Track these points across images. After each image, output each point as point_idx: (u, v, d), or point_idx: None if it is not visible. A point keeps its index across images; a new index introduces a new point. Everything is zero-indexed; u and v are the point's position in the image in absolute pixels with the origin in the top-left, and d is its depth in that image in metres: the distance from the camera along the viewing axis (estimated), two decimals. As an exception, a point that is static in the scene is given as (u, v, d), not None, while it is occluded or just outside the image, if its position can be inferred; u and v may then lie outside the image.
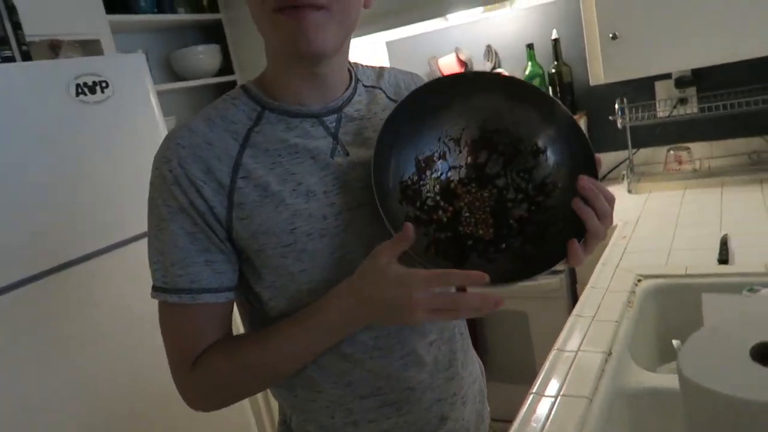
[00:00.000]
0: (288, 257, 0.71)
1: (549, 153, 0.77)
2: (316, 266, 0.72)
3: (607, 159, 2.33)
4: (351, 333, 0.72)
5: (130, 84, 1.61)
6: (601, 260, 1.50)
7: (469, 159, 0.79)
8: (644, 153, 2.26)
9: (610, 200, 0.71)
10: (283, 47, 0.69)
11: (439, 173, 0.78)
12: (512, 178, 0.79)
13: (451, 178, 0.78)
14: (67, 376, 1.43)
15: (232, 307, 0.76)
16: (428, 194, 0.76)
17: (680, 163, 2.12)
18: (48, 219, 1.42)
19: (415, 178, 0.76)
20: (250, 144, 0.72)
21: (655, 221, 1.74)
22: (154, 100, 1.67)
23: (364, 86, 0.83)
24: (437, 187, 0.77)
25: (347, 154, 0.76)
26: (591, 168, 0.73)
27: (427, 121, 0.77)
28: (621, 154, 2.28)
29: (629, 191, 2.10)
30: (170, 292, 0.70)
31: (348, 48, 0.77)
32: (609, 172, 2.33)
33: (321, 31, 0.66)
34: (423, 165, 0.77)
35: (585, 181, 0.69)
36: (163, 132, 1.70)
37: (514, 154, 0.78)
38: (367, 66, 0.87)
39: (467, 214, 0.77)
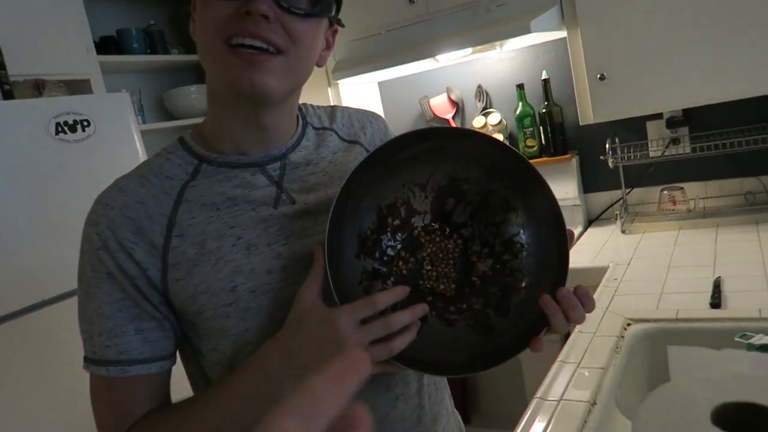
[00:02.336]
0: (231, 317, 0.66)
1: (520, 212, 0.73)
2: (261, 325, 0.66)
3: (599, 199, 2.30)
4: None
5: (113, 123, 1.60)
6: (591, 303, 1.45)
7: (434, 205, 0.74)
8: (638, 193, 2.23)
9: (588, 304, 0.65)
10: (228, 86, 0.65)
11: (402, 220, 0.73)
12: (479, 230, 0.74)
13: (415, 225, 0.73)
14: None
15: (168, 375, 0.70)
16: (389, 243, 0.72)
17: (674, 203, 2.09)
18: (23, 258, 1.39)
19: (375, 226, 0.71)
20: (185, 199, 0.67)
21: (648, 263, 1.69)
22: (137, 139, 1.66)
23: (314, 128, 0.79)
24: (399, 234, 0.73)
25: (293, 202, 0.71)
26: (562, 237, 0.68)
27: (390, 171, 0.71)
28: (614, 194, 2.25)
29: (623, 231, 2.06)
30: (98, 364, 0.65)
31: (296, 100, 0.74)
32: (602, 213, 2.30)
33: (270, 74, 0.63)
34: (385, 213, 0.72)
35: (565, 291, 0.64)
36: (146, 171, 1.69)
37: (483, 205, 0.74)
38: (318, 107, 0.84)
39: (429, 267, 0.72)
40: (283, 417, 0.22)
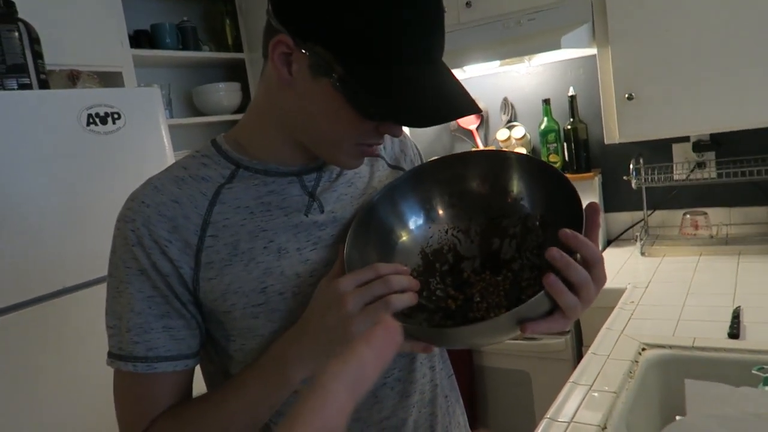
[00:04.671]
0: (259, 317, 0.67)
1: (554, 222, 0.72)
2: (287, 327, 0.67)
3: (620, 219, 2.28)
4: (293, 379, 0.64)
5: (143, 117, 1.63)
6: (606, 324, 1.44)
7: (482, 248, 0.75)
8: (660, 215, 2.21)
9: (593, 262, 0.60)
10: (330, 159, 0.71)
11: (451, 265, 0.74)
12: (527, 258, 0.73)
13: (464, 269, 0.74)
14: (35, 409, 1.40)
15: (192, 374, 0.71)
16: (438, 286, 0.73)
17: (696, 227, 2.06)
18: (48, 245, 1.42)
19: (422, 269, 0.73)
20: (220, 200, 0.69)
21: (666, 287, 1.67)
22: (165, 133, 1.69)
23: None
24: (448, 279, 0.73)
25: (322, 211, 0.73)
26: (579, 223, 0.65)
27: (420, 210, 0.75)
28: (635, 215, 2.23)
29: (642, 254, 2.04)
30: (125, 360, 0.66)
31: None
32: (622, 233, 2.28)
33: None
34: (431, 258, 0.74)
35: (554, 251, 0.59)
36: (171, 165, 1.72)
37: (526, 233, 0.73)
38: None
39: (479, 299, 0.71)
40: (335, 381, 0.24)
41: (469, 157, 0.77)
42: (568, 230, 0.60)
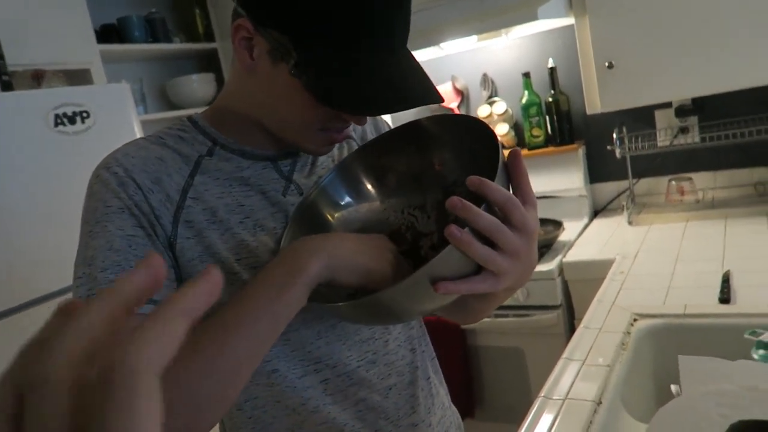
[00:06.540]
0: (233, 285, 0.65)
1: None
2: None
3: (606, 189, 2.27)
4: (306, 264, 0.57)
5: (113, 114, 1.58)
6: (597, 297, 1.43)
7: (439, 222, 0.73)
8: (645, 183, 2.20)
9: (504, 205, 0.54)
10: (295, 144, 0.70)
11: (410, 244, 0.72)
12: None
13: (422, 245, 0.72)
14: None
15: None
16: None
17: (682, 193, 2.06)
18: (23, 252, 1.38)
19: None
20: (201, 171, 0.68)
21: (655, 256, 1.67)
22: (137, 130, 1.64)
23: None
24: (409, 261, 0.71)
25: (301, 194, 0.73)
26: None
27: (376, 189, 0.74)
28: (621, 185, 2.22)
29: (629, 223, 2.03)
30: None
31: None
32: (609, 203, 2.27)
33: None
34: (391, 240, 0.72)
35: (453, 199, 0.53)
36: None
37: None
38: None
39: None
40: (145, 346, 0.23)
41: (392, 134, 0.76)
42: (474, 177, 0.54)
